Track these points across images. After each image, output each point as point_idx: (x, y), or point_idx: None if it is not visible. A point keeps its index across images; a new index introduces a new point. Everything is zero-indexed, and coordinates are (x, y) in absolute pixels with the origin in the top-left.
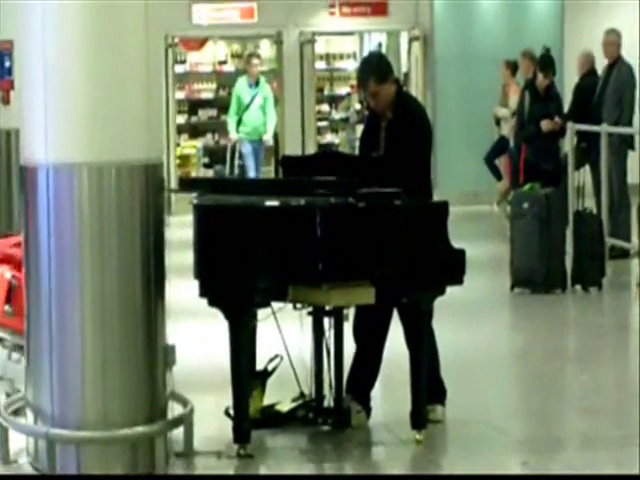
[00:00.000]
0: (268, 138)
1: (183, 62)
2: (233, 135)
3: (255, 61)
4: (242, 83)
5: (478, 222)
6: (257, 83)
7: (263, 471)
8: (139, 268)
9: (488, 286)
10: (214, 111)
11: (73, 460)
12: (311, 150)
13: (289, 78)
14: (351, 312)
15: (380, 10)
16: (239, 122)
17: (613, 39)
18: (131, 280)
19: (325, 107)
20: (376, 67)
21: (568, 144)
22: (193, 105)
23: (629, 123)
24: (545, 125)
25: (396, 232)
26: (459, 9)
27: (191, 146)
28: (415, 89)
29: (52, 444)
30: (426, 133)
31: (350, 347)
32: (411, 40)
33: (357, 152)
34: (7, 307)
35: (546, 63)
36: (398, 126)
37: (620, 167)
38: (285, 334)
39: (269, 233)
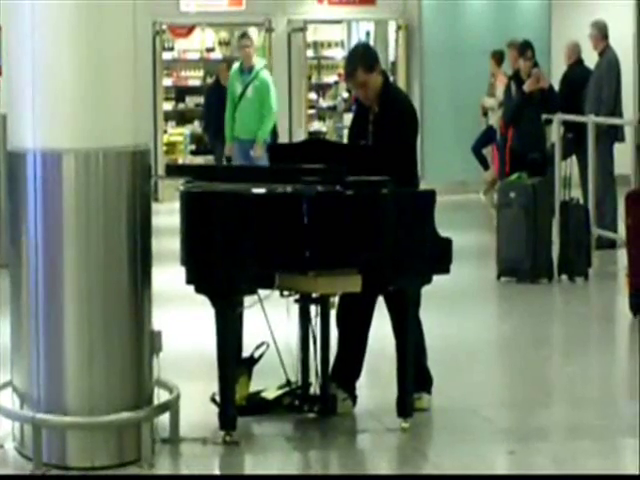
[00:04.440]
0: (258, 149)
1: (171, 49)
2: (228, 146)
3: (245, 41)
4: (234, 70)
5: (465, 211)
6: (251, 70)
7: (249, 458)
8: (125, 255)
9: (474, 275)
10: (201, 98)
11: (59, 445)
12: (300, 138)
13: (276, 66)
14: (337, 300)
15: None
16: (233, 120)
17: (596, 31)
18: (117, 266)
19: (312, 95)
20: (363, 57)
21: (555, 134)
22: (180, 92)
23: (611, 114)
24: (527, 86)
25: (383, 220)
26: None
27: (178, 133)
28: (402, 79)
29: (38, 429)
30: (413, 125)
31: (336, 335)
32: (398, 29)
33: (346, 141)
34: None
35: (524, 47)
36: (385, 119)
37: (604, 158)
38: (272, 321)
39: (256, 220)
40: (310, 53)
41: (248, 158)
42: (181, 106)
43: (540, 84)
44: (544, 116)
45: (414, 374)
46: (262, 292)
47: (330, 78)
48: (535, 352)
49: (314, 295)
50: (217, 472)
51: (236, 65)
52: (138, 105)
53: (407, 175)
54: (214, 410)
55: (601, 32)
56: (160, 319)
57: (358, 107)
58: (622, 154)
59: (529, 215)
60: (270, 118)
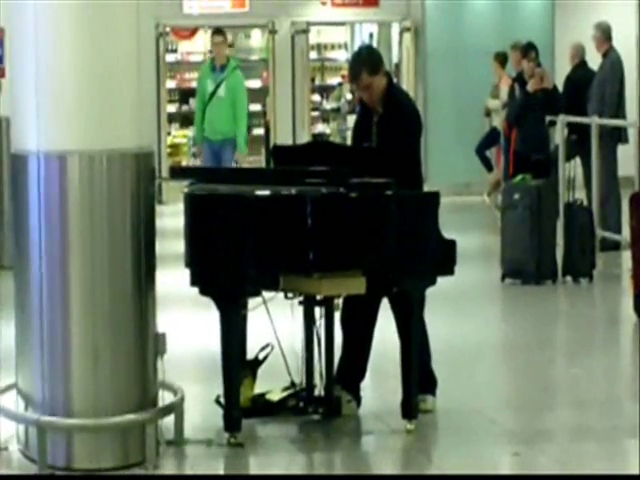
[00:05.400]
0: (239, 155)
1: (174, 51)
2: (197, 147)
3: (219, 38)
4: (205, 67)
5: (469, 213)
6: (224, 68)
7: (253, 460)
8: (130, 257)
9: (479, 277)
10: None
11: (63, 448)
12: (304, 140)
13: (280, 68)
14: (342, 302)
15: (371, 1)
16: (203, 119)
17: (599, 33)
18: (122, 269)
19: (316, 97)
20: (368, 59)
21: (559, 136)
22: (184, 94)
23: (614, 116)
24: (531, 85)
25: (387, 222)
26: (450, 0)
27: (182, 135)
28: (406, 80)
29: (43, 431)
30: (416, 127)
31: (341, 337)
32: (402, 31)
33: (349, 143)
34: None
35: (527, 48)
36: (389, 121)
37: (608, 159)
38: (276, 323)
39: (260, 222)
40: (313, 55)
41: (218, 159)
42: (185, 108)
43: (544, 84)
44: (548, 118)
45: (418, 376)
46: (266, 294)
47: (333, 80)
48: (539, 354)
49: (318, 297)
50: (222, 473)
51: (207, 62)
52: (142, 107)
53: (411, 177)
54: (219, 412)
55: (604, 34)
56: (164, 321)
57: (362, 109)
58: (626, 155)
59: (533, 217)
60: (245, 120)
